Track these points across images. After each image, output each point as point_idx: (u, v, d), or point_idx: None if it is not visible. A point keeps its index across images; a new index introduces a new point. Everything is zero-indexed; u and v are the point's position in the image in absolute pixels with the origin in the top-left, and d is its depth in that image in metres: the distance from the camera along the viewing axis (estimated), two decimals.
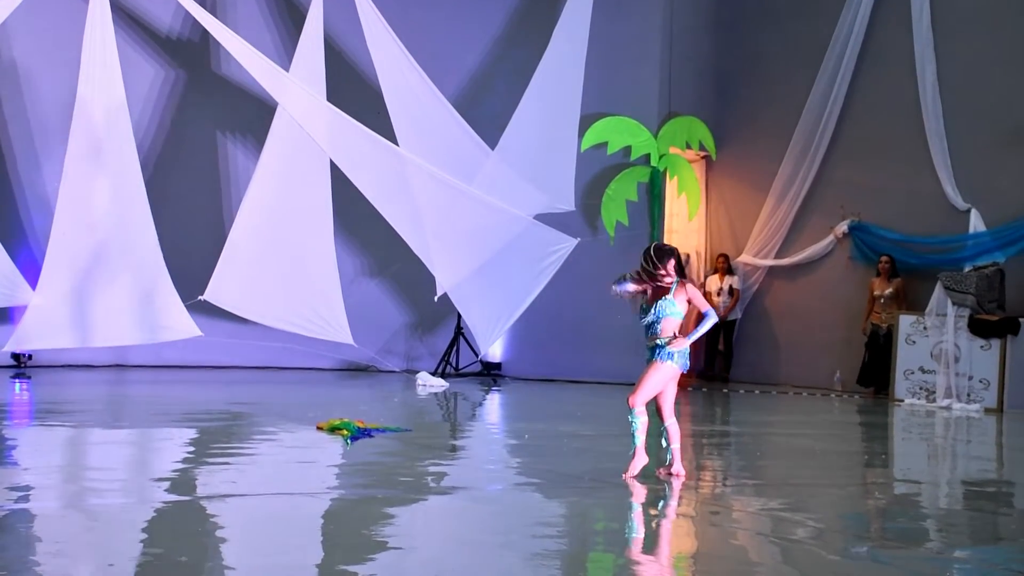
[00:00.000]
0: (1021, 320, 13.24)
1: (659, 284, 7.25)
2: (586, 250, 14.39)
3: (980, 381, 13.39)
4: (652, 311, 7.26)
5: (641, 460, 7.32)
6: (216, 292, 13.34)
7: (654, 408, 7.40)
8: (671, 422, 7.34)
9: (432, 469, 7.75)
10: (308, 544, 5.39)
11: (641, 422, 7.30)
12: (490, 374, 15.25)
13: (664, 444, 7.40)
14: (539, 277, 14.09)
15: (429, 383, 13.81)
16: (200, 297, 13.26)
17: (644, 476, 7.34)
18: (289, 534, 5.56)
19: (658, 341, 7.26)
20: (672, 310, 7.24)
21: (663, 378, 7.27)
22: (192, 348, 14.26)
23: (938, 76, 14.44)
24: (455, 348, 15.02)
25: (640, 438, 7.31)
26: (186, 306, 13.16)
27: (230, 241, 13.61)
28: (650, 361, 7.29)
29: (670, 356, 7.23)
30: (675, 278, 7.25)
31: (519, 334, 15.39)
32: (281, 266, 13.75)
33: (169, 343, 13.66)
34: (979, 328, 13.40)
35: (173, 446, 8.48)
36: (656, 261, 7.23)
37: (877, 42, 15.10)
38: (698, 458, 8.67)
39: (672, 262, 7.24)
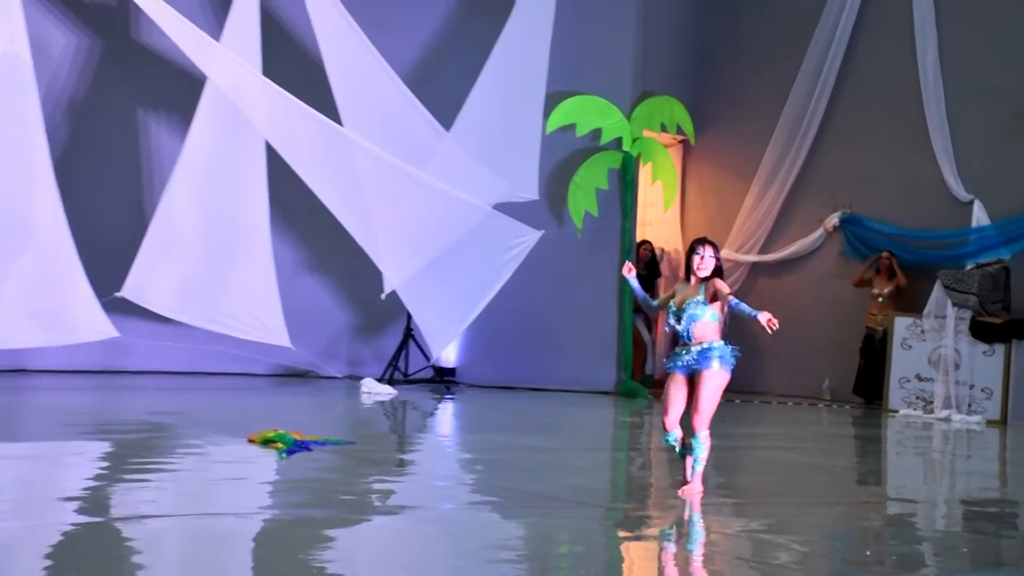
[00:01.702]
0: None
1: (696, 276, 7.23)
2: (551, 243, 14.41)
3: (982, 390, 13.54)
4: (681, 314, 7.26)
5: (699, 488, 7.38)
6: (135, 288, 13.25)
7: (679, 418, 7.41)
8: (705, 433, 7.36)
9: (377, 486, 7.74)
10: (237, 571, 5.37)
11: (705, 449, 7.31)
12: (443, 381, 15.25)
13: (682, 455, 7.43)
14: (499, 273, 14.10)
15: (375, 391, 13.79)
16: (117, 294, 13.17)
17: (637, 492, 7.36)
18: (216, 560, 5.53)
19: (696, 346, 7.22)
20: (703, 311, 7.21)
21: (719, 386, 7.26)
22: (107, 351, 14.15)
23: (940, 52, 14.58)
24: (404, 352, 15.00)
25: (701, 465, 7.33)
26: (101, 304, 13.05)
27: (152, 231, 13.52)
28: (688, 368, 7.25)
29: (723, 360, 7.20)
30: (708, 272, 7.22)
31: (476, 337, 15.39)
32: (210, 260, 13.68)
33: (81, 345, 13.53)
34: (982, 332, 13.54)
35: (84, 461, 8.41)
36: (696, 247, 7.26)
37: (874, 15, 15.23)
38: (672, 474, 8.71)
39: (710, 250, 7.23)
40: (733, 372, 7.33)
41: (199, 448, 9.03)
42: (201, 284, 13.64)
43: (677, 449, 7.46)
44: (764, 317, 6.96)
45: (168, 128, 15.04)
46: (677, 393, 7.31)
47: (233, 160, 13.77)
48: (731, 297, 7.12)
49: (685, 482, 7.41)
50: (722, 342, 7.25)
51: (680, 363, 7.28)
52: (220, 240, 13.71)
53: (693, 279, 7.27)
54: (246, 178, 13.77)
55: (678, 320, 7.26)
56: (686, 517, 6.96)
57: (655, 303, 7.73)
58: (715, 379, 7.22)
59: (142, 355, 14.65)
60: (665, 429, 7.40)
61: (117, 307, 13.29)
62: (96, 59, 14.97)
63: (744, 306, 7.07)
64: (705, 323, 7.22)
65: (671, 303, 7.33)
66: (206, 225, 13.69)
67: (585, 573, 5.60)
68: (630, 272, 7.65)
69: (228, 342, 14.13)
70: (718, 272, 7.26)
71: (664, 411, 7.38)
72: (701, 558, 6.00)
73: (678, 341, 7.35)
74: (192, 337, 14.29)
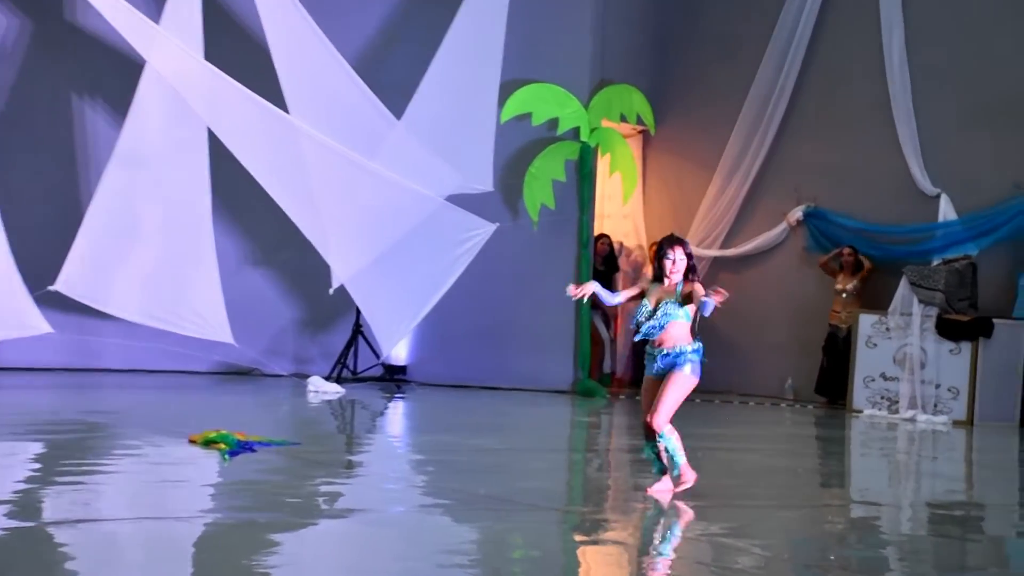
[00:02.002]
0: (995, 321, 13.54)
1: (667, 277, 7.31)
2: (506, 236, 14.41)
3: (948, 390, 13.67)
4: (655, 313, 7.32)
5: (691, 475, 7.43)
6: (69, 282, 13.14)
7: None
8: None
9: (324, 489, 7.71)
10: None
11: (675, 440, 7.37)
12: (393, 379, 15.22)
13: (652, 456, 7.51)
14: (451, 267, 14.09)
15: (322, 389, 13.75)
16: (50, 287, 13.06)
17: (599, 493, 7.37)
18: (155, 565, 5.49)
19: (669, 348, 7.31)
20: (677, 312, 7.29)
21: (685, 389, 7.35)
22: (40, 347, 14.00)
23: (906, 41, 14.69)
24: (353, 349, 14.96)
25: (681, 457, 7.39)
26: (33, 298, 12.93)
27: (87, 222, 13.42)
28: (659, 372, 7.35)
29: (692, 364, 7.31)
30: (680, 276, 7.32)
31: (427, 333, 15.37)
32: (148, 252, 13.59)
33: (10, 341, 13.39)
34: (948, 329, 13.66)
35: (14, 463, 8.33)
36: (665, 250, 7.31)
37: (839, 2, 15.32)
38: (630, 477, 8.73)
39: (680, 251, 7.29)
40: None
41: (137, 449, 8.97)
42: (139, 278, 13.55)
43: (656, 460, 7.51)
44: (715, 300, 7.10)
45: (104, 115, 14.90)
46: (653, 396, 7.41)
47: (173, 148, 13.68)
48: (704, 299, 7.20)
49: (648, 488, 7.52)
50: (693, 345, 7.35)
51: (654, 367, 7.39)
52: (159, 232, 13.62)
53: (667, 280, 7.34)
54: (187, 167, 13.68)
55: (650, 319, 7.31)
56: (660, 521, 6.97)
57: (617, 299, 7.73)
58: (682, 381, 7.32)
59: (78, 352, 14.53)
60: (647, 438, 7.47)
61: (50, 302, 13.16)
62: (27, 41, 14.81)
63: (707, 304, 7.14)
64: (679, 324, 7.33)
65: (644, 302, 7.38)
66: (144, 216, 13.59)
67: None
68: (577, 294, 7.57)
69: (168, 338, 14.04)
70: (691, 270, 7.36)
71: (644, 416, 7.43)
72: (660, 563, 6.01)
73: (645, 341, 7.41)
74: (130, 333, 14.18)
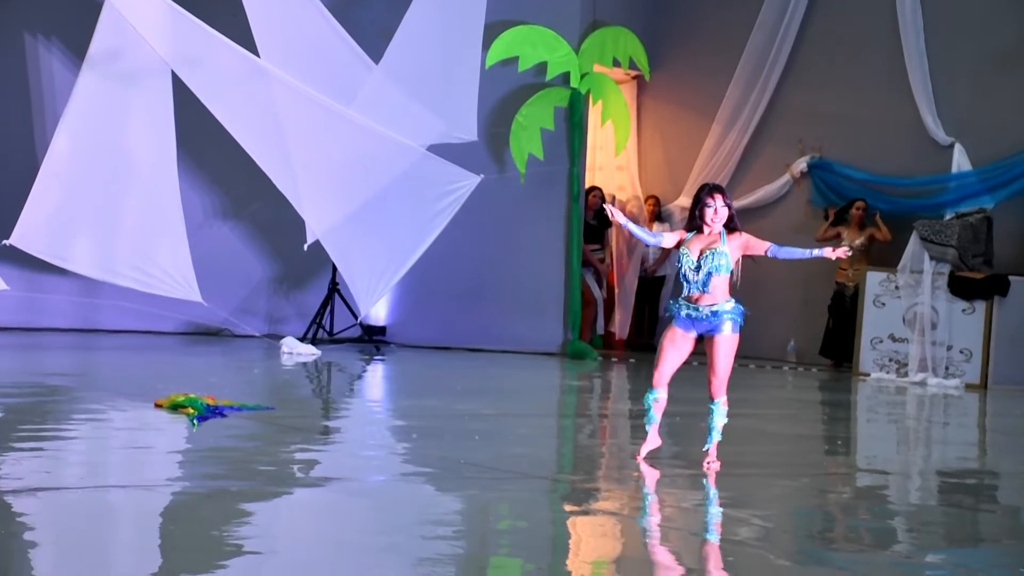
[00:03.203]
0: (1011, 279, 13.58)
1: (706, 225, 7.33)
2: (491, 189, 14.39)
3: (961, 352, 13.73)
4: (699, 264, 7.33)
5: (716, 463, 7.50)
6: (25, 236, 13.09)
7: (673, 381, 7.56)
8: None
9: (299, 456, 7.73)
10: (143, 548, 5.35)
11: (725, 415, 7.51)
12: (372, 340, 15.23)
13: (649, 406, 7.56)
14: (433, 222, 14.07)
15: (296, 351, 13.76)
16: (5, 242, 13.02)
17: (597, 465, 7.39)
18: (119, 536, 5.51)
19: (709, 306, 7.33)
20: (725, 264, 7.34)
21: (735, 350, 7.45)
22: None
23: None
24: (329, 308, 14.96)
25: (720, 434, 7.51)
26: None
27: (44, 173, 13.35)
28: (698, 329, 7.37)
29: (734, 322, 7.36)
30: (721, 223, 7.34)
31: (408, 292, 15.37)
32: (110, 205, 13.54)
33: None
34: (961, 287, 13.71)
35: None
36: (705, 198, 7.32)
37: None
38: (623, 443, 8.77)
39: (720, 199, 7.30)
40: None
41: (100, 414, 8.98)
42: (101, 232, 13.51)
43: (651, 412, 7.52)
44: (834, 252, 7.39)
45: (61, 57, 14.82)
46: (676, 351, 7.45)
47: (135, 93, 13.60)
48: (769, 247, 7.37)
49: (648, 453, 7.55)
50: (733, 301, 7.39)
51: (689, 320, 7.37)
52: (121, 183, 13.56)
53: (707, 229, 7.35)
54: (150, 114, 13.61)
55: (696, 271, 7.32)
56: (646, 489, 7.01)
57: (657, 239, 7.72)
58: (730, 343, 7.40)
59: (36, 310, 14.52)
60: (652, 385, 7.49)
61: (5, 257, 13.13)
62: None
63: (790, 250, 7.39)
64: (724, 277, 7.37)
65: (684, 251, 7.35)
66: (105, 166, 13.53)
67: (528, 550, 5.63)
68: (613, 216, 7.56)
69: (132, 296, 14.02)
70: (732, 219, 7.39)
71: (656, 364, 7.46)
72: (655, 534, 6.05)
73: (683, 289, 7.42)
74: (91, 291, 14.17)
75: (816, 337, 15.08)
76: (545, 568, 5.35)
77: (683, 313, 7.38)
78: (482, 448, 8.11)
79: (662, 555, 5.66)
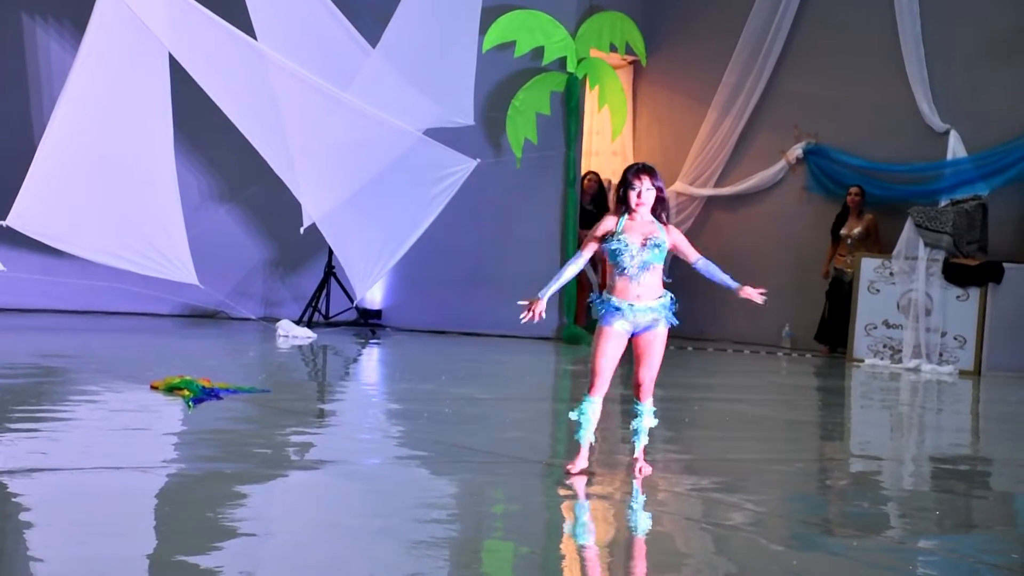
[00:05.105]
0: (1005, 265, 13.59)
1: (635, 211, 6.62)
2: (487, 173, 14.38)
3: (955, 338, 13.74)
4: (635, 254, 6.62)
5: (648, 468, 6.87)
6: (23, 217, 13.07)
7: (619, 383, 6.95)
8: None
9: (295, 439, 7.73)
10: (138, 530, 5.35)
11: (653, 417, 6.82)
12: (368, 324, 15.24)
13: (583, 420, 6.89)
14: (429, 206, 14.08)
15: (292, 334, 13.77)
16: (2, 223, 13.00)
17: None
18: (114, 517, 5.51)
19: (645, 303, 6.64)
20: (659, 257, 6.67)
21: (663, 348, 6.75)
22: None
23: None
24: (325, 292, 14.96)
25: (647, 438, 6.83)
26: None
27: (41, 153, 13.32)
28: (633, 329, 6.64)
29: (667, 320, 6.69)
30: (648, 206, 6.67)
31: (404, 276, 15.37)
32: (107, 186, 13.51)
33: None
34: (955, 274, 13.72)
35: None
36: (631, 179, 6.62)
37: None
38: (617, 428, 8.77)
39: (647, 181, 6.62)
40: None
41: (96, 395, 8.98)
42: (97, 213, 13.49)
43: (589, 422, 6.80)
44: (750, 292, 6.79)
45: (59, 38, 14.80)
46: (615, 352, 6.71)
47: (132, 75, 13.56)
48: (699, 260, 6.79)
49: (581, 471, 6.79)
50: (667, 295, 6.77)
51: (625, 319, 6.67)
52: (118, 165, 13.54)
53: (634, 214, 6.67)
54: (147, 95, 13.57)
55: (633, 258, 6.64)
56: (632, 474, 7.01)
57: (578, 257, 6.97)
58: (663, 340, 6.74)
59: (32, 292, 14.53)
60: (589, 393, 6.79)
61: (2, 238, 13.11)
62: None
63: (715, 270, 6.78)
64: (657, 269, 6.73)
65: (621, 238, 6.63)
66: (102, 148, 13.50)
67: (521, 533, 5.63)
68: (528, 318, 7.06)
69: (128, 278, 14.02)
70: (660, 204, 6.72)
71: (595, 370, 6.70)
72: (647, 519, 6.05)
73: (612, 280, 6.76)
74: (87, 272, 14.16)
75: (811, 323, 15.10)
76: (539, 551, 5.36)
77: (618, 314, 6.65)
78: (477, 432, 8.11)
79: (657, 539, 5.66)
